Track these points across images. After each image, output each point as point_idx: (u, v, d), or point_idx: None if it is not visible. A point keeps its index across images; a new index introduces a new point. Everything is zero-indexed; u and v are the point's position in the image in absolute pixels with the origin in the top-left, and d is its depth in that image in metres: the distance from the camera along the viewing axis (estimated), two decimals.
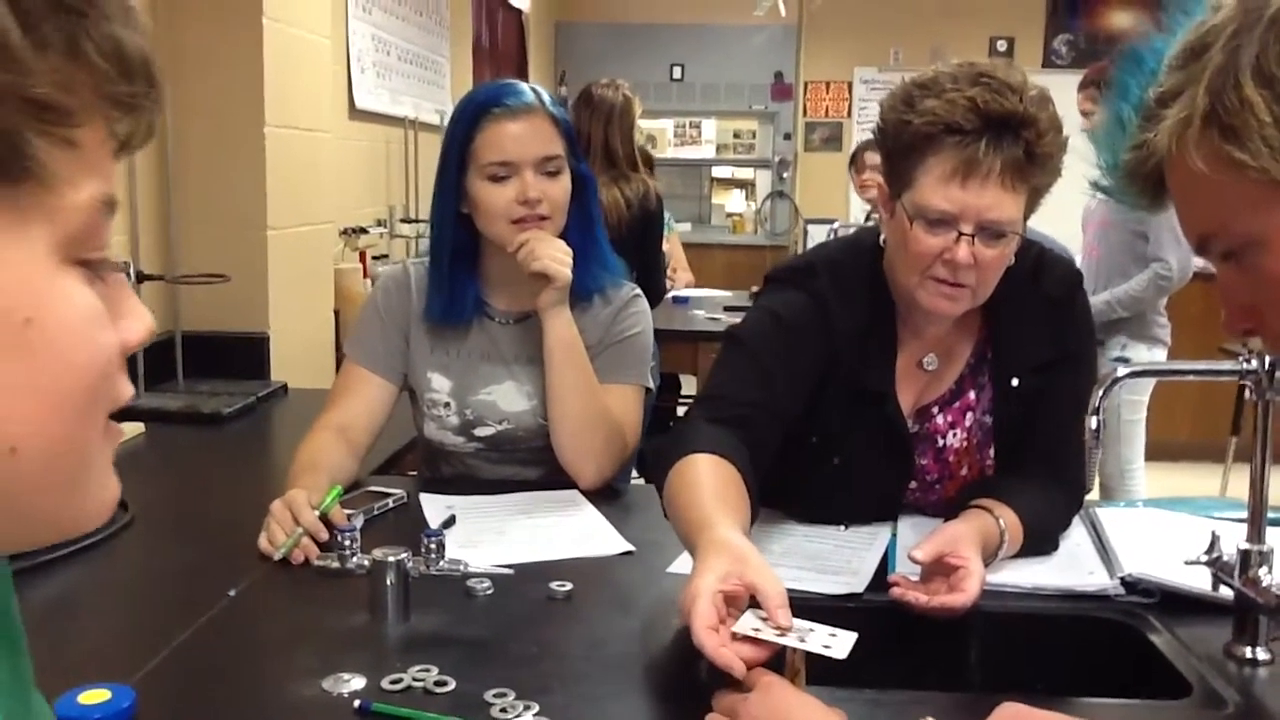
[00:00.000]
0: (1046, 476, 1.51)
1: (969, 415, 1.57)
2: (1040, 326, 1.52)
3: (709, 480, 1.28)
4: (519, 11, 6.36)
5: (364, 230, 3.48)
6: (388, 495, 1.69)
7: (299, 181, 2.72)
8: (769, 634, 1.03)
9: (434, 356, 1.84)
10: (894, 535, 1.54)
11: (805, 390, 1.49)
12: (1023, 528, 1.43)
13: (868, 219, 4.99)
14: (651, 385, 1.89)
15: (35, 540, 0.51)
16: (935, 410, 1.57)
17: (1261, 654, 1.20)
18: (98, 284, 0.49)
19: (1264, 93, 0.65)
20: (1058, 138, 1.38)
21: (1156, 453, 4.04)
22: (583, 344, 1.76)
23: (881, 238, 1.53)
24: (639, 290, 1.92)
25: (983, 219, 1.36)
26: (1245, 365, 1.17)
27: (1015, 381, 1.52)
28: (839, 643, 1.03)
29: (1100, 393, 1.21)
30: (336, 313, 3.01)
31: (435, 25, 4.63)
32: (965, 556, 1.30)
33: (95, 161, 0.47)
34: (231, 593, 1.35)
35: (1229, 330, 0.78)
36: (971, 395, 1.57)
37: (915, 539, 1.42)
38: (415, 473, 2.01)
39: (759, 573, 1.06)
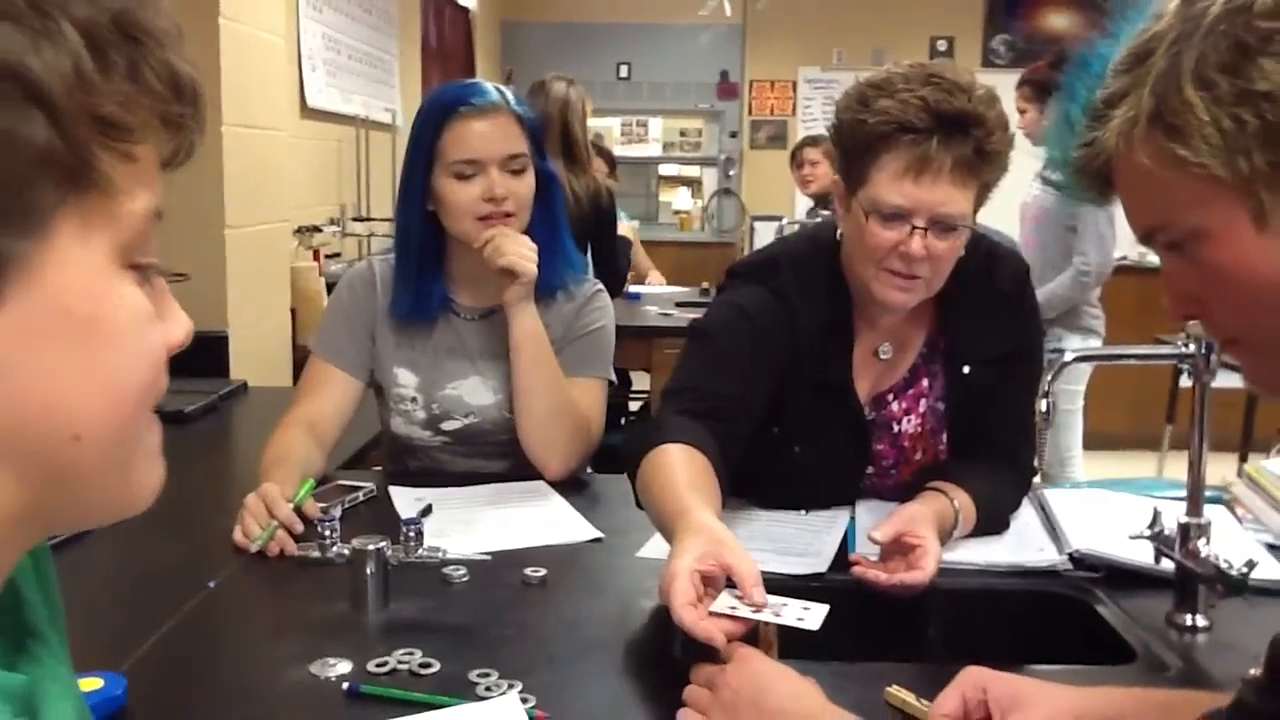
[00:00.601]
0: (997, 460, 1.58)
1: (922, 402, 1.63)
2: (991, 318, 1.59)
3: (682, 469, 1.33)
4: (466, 10, 6.37)
5: (318, 229, 3.48)
6: (359, 488, 1.71)
7: (256, 180, 2.73)
8: (745, 610, 1.08)
9: (400, 352, 1.87)
10: (853, 519, 1.60)
11: (771, 385, 1.54)
12: (976, 508, 1.49)
13: (810, 215, 5.07)
14: (614, 378, 1.94)
15: (89, 522, 0.56)
16: (890, 398, 1.63)
17: (1201, 621, 1.28)
18: (145, 287, 0.53)
19: (1203, 95, 0.71)
20: (1005, 135, 1.44)
21: (1094, 442, 4.16)
22: (548, 338, 1.81)
23: (838, 232, 1.59)
24: (601, 286, 1.96)
25: (935, 213, 1.42)
26: (1184, 349, 1.25)
27: (966, 369, 1.59)
28: (811, 615, 1.09)
29: (1049, 376, 1.28)
30: (293, 311, 3.02)
31: (384, 24, 4.64)
32: (922, 536, 1.36)
33: (148, 175, 0.52)
34: (211, 584, 1.37)
35: (1172, 316, 0.84)
36: (925, 383, 1.63)
37: (873, 521, 1.48)
38: (380, 468, 2.04)
39: (735, 554, 1.11)
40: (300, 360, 2.99)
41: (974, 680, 0.97)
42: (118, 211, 0.51)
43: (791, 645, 1.12)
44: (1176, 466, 1.39)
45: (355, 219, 3.94)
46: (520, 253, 1.75)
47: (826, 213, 3.50)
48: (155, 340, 0.54)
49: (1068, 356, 1.33)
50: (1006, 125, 1.45)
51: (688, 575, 1.08)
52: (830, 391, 1.58)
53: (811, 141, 5.12)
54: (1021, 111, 3.86)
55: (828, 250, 1.60)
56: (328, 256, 3.55)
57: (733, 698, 0.99)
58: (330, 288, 3.36)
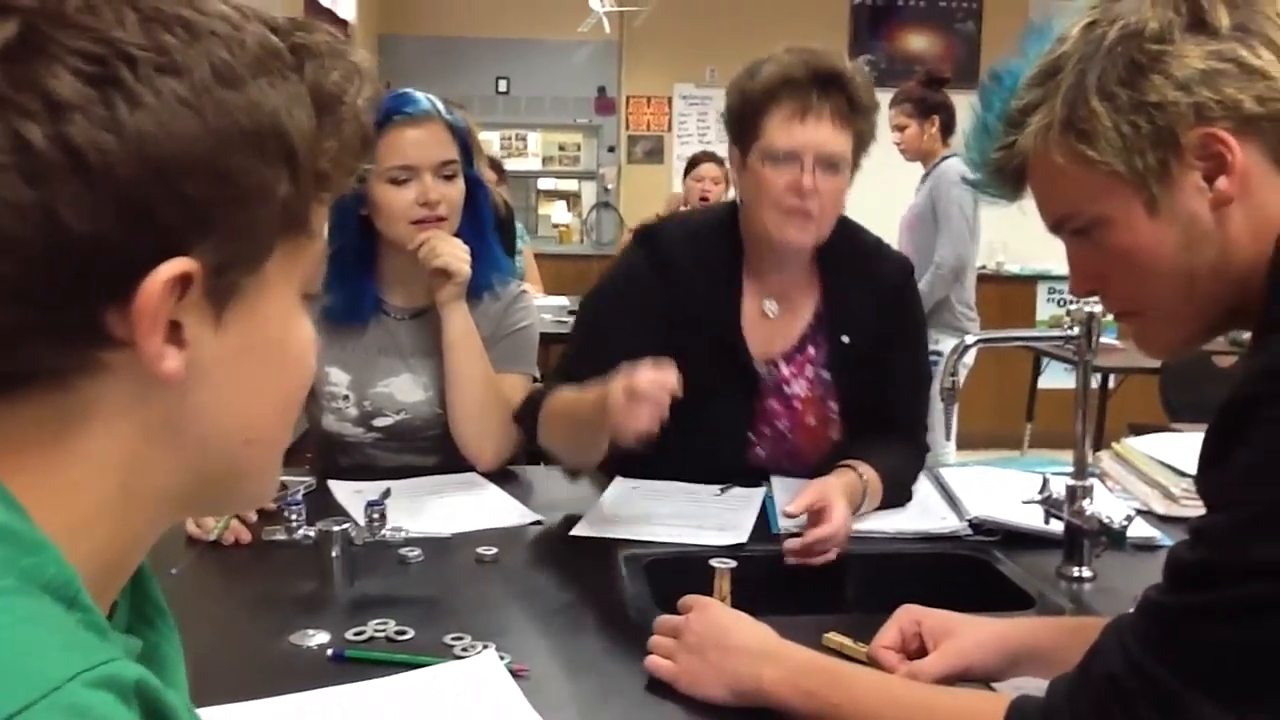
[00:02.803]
0: (896, 438, 1.75)
1: (809, 368, 1.79)
2: (871, 297, 1.77)
3: (578, 390, 1.54)
4: (345, 24, 6.36)
5: None
6: (299, 482, 1.77)
7: None
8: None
9: (331, 352, 1.92)
10: (770, 496, 1.74)
11: (649, 347, 1.55)
12: (881, 481, 1.65)
13: None
14: (538, 374, 2.04)
15: (228, 510, 0.65)
16: (781, 361, 1.78)
17: (1087, 572, 1.45)
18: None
19: (1106, 104, 0.86)
20: (871, 94, 1.68)
21: (960, 441, 4.42)
22: (490, 333, 1.90)
23: (736, 197, 1.77)
24: (526, 287, 2.06)
25: (820, 152, 1.62)
26: (1069, 332, 1.42)
27: (846, 339, 1.76)
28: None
29: (955, 358, 1.44)
30: None
31: None
32: (831, 500, 1.50)
33: (324, 216, 0.61)
34: (174, 570, 1.42)
35: (1076, 292, 1.00)
36: (811, 350, 1.79)
37: (788, 496, 1.63)
38: (308, 466, 2.08)
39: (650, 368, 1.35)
40: None
41: (910, 616, 1.11)
42: (310, 250, 0.59)
43: (733, 604, 1.25)
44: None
45: None
46: (454, 254, 1.84)
47: None
48: (313, 361, 0.63)
49: (969, 340, 1.49)
50: (872, 86, 1.68)
51: (620, 385, 1.33)
52: (721, 345, 1.73)
53: (707, 156, 5.27)
54: (901, 128, 4.10)
55: (722, 214, 1.79)
56: None
57: (697, 641, 1.10)
58: None
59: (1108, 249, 0.91)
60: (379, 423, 1.93)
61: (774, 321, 1.78)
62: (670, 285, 1.72)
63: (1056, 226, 0.95)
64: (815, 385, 1.78)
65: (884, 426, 1.75)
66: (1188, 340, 0.94)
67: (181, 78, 0.51)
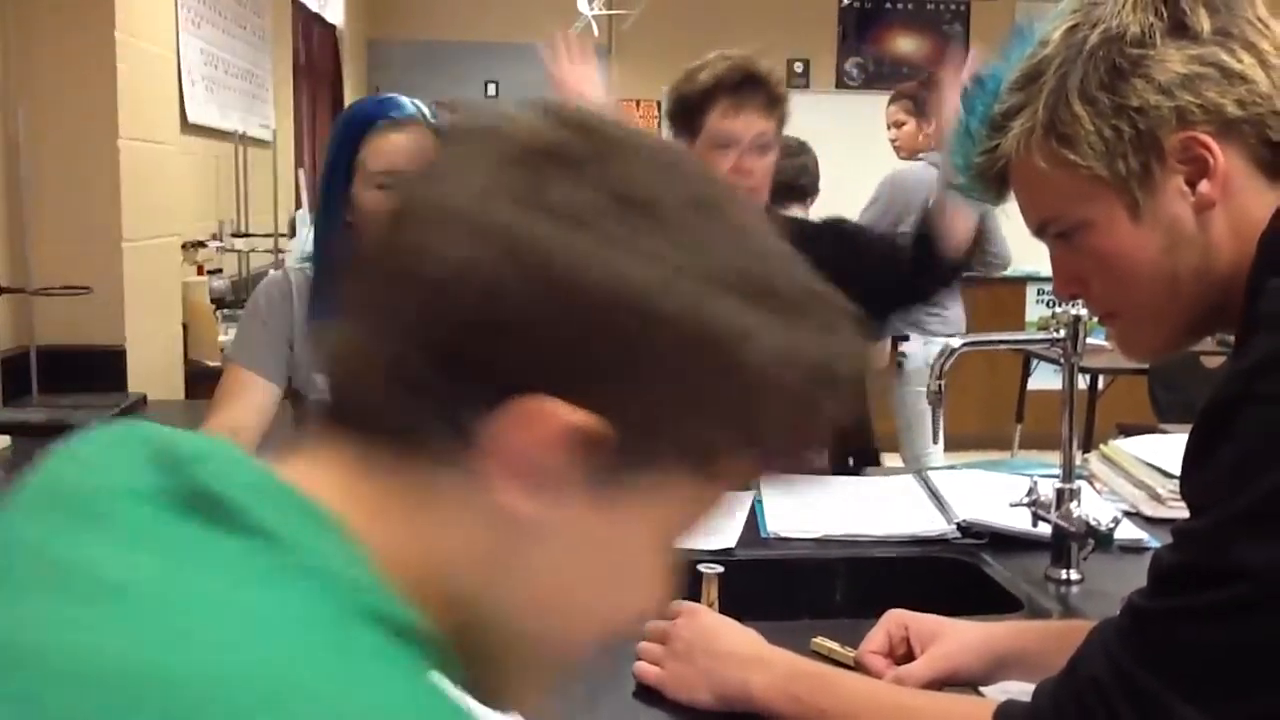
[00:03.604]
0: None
1: None
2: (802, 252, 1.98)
3: None
4: (333, 28, 6.35)
5: (202, 244, 3.47)
6: None
7: (148, 194, 2.73)
8: None
9: (319, 358, 1.92)
10: (759, 500, 1.74)
11: None
12: None
13: None
14: None
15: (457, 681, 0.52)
16: None
17: (1075, 574, 1.45)
18: None
19: (1088, 108, 0.86)
20: (783, 87, 2.03)
21: (948, 443, 4.42)
22: None
23: None
24: None
25: (753, 135, 1.94)
26: (1055, 335, 1.42)
27: None
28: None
29: (942, 362, 1.44)
30: (185, 326, 3.02)
31: (258, 40, 4.62)
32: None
33: (733, 474, 0.55)
34: None
35: (1059, 295, 1.00)
36: None
37: (780, 499, 1.65)
38: None
39: None
40: (193, 374, 2.98)
41: (896, 620, 1.11)
42: (711, 496, 0.54)
43: (721, 608, 1.25)
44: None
45: (235, 235, 3.92)
46: None
47: None
48: (651, 612, 0.57)
49: (955, 344, 1.49)
50: (783, 82, 2.05)
51: None
52: None
53: None
54: (899, 124, 4.09)
55: None
56: (210, 272, 3.54)
57: (685, 647, 1.10)
58: (216, 303, 3.37)
59: (1090, 252, 0.91)
60: None
61: None
62: None
63: (1039, 230, 0.95)
64: None
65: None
66: (1170, 343, 0.94)
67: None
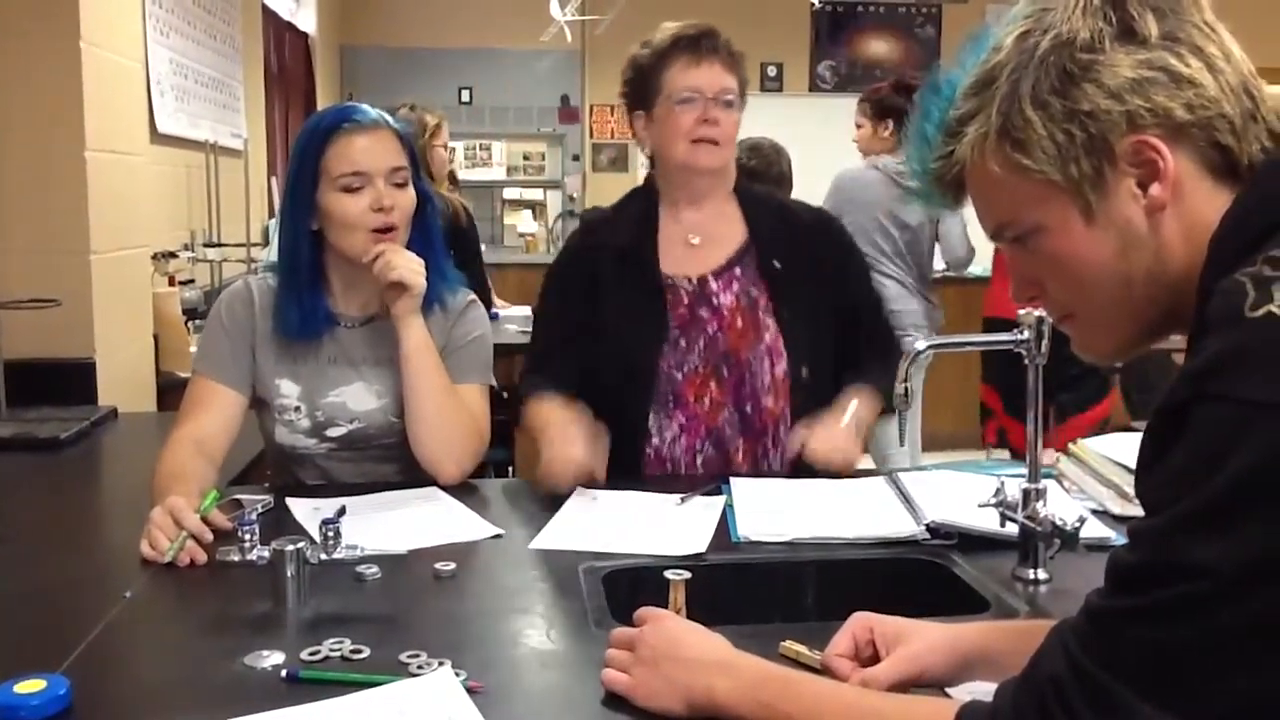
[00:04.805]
0: (877, 351, 2.05)
1: (736, 284, 2.02)
2: (792, 232, 2.06)
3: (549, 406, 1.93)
4: (305, 36, 6.33)
5: (174, 255, 3.45)
6: (256, 501, 1.75)
7: (116, 206, 2.72)
8: None
9: (282, 365, 1.91)
10: (730, 504, 1.74)
11: (585, 305, 2.02)
12: (877, 392, 1.99)
13: None
14: (495, 383, 2.03)
15: None
16: (711, 278, 2.02)
17: (1042, 574, 1.46)
18: None
19: (1040, 113, 0.87)
20: (738, 50, 2.00)
21: (924, 443, 4.45)
22: (444, 342, 1.90)
23: (648, 152, 2.04)
24: (474, 297, 2.05)
25: (717, 89, 1.95)
26: (1019, 336, 1.43)
27: (777, 264, 2.02)
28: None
29: (907, 364, 1.45)
30: (156, 337, 3.00)
31: (228, 49, 4.60)
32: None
33: None
34: (127, 594, 1.41)
35: (1016, 298, 1.01)
36: (738, 270, 2.03)
37: (750, 500, 1.67)
38: (267, 484, 2.07)
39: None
40: (164, 386, 2.97)
41: (862, 623, 1.12)
42: None
43: (691, 614, 1.25)
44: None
45: (207, 245, 3.91)
46: (410, 267, 1.83)
47: None
48: None
49: (920, 345, 1.50)
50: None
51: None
52: (637, 267, 2.00)
53: None
54: (859, 126, 4.13)
55: (642, 184, 2.12)
56: (182, 283, 3.52)
57: (651, 654, 1.10)
58: (188, 314, 3.35)
59: (1045, 256, 0.92)
60: (332, 433, 1.91)
61: (699, 248, 2.04)
62: (595, 245, 2.05)
63: (995, 234, 0.96)
64: (741, 298, 2.02)
65: (864, 347, 2.07)
66: (1126, 344, 0.95)
67: None
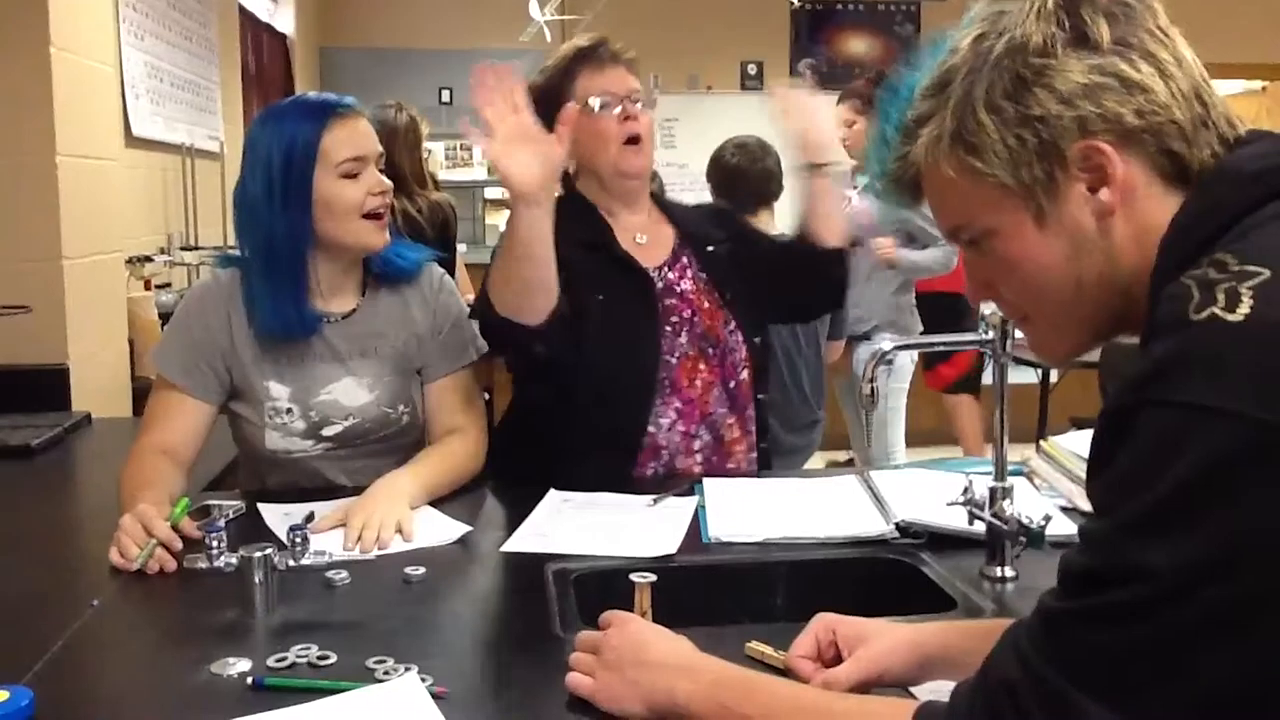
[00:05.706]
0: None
1: (688, 271, 2.08)
2: (707, 222, 2.19)
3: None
4: (284, 37, 6.31)
5: (149, 259, 3.43)
6: (228, 507, 1.75)
7: (89, 211, 2.70)
8: None
9: (266, 365, 1.86)
10: (701, 505, 1.75)
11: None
12: None
13: None
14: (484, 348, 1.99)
15: None
16: (665, 269, 2.07)
17: (1009, 572, 1.47)
18: None
19: (993, 118, 0.87)
20: (636, 59, 2.06)
21: (909, 438, 4.47)
22: (420, 328, 1.94)
23: (572, 167, 2.03)
24: (439, 267, 2.05)
25: (627, 90, 2.00)
26: (985, 336, 1.44)
27: (710, 248, 2.11)
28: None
29: (873, 364, 1.46)
30: (131, 342, 2.98)
31: (205, 51, 4.58)
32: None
33: None
34: (95, 603, 1.40)
35: (973, 300, 1.02)
36: (684, 259, 2.09)
37: (722, 500, 1.67)
38: (237, 490, 2.05)
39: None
40: (140, 390, 2.95)
41: (824, 624, 1.12)
42: None
43: (657, 616, 1.25)
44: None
45: (184, 248, 3.89)
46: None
47: None
48: None
49: (885, 346, 1.50)
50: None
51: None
52: (613, 264, 2.00)
53: None
54: (850, 124, 4.09)
55: (566, 194, 2.04)
56: (158, 286, 3.50)
57: (616, 657, 1.10)
58: (164, 317, 3.33)
59: (999, 258, 0.92)
60: (328, 431, 1.88)
61: (646, 247, 2.09)
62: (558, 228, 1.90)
63: (951, 236, 0.96)
64: (697, 280, 2.09)
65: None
66: (1078, 346, 0.95)
67: None
